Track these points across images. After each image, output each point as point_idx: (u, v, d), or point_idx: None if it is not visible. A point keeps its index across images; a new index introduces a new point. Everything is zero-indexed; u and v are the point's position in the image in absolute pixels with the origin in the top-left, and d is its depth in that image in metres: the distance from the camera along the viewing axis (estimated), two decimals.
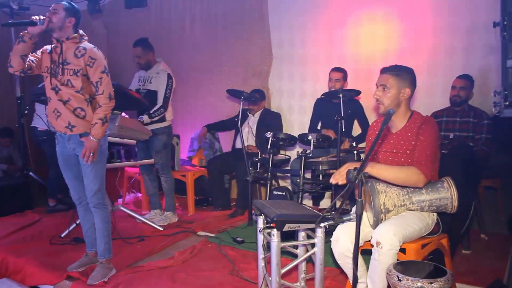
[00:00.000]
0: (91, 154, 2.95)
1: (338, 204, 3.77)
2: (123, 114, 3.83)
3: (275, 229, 2.33)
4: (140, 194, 5.62)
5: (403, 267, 2.07)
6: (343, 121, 3.84)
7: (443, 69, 4.39)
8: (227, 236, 4.00)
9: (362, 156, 3.98)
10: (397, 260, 2.22)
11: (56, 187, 5.09)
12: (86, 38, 3.07)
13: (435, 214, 2.54)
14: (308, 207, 2.70)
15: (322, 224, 2.32)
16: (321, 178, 3.98)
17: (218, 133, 5.57)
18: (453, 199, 2.41)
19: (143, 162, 4.41)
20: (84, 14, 3.13)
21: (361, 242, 2.40)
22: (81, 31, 3.05)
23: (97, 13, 6.09)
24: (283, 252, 2.48)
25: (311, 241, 2.45)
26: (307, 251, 2.55)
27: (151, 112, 4.27)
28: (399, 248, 2.24)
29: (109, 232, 3.22)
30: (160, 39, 6.21)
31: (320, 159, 4.07)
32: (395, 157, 2.56)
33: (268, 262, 2.47)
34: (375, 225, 2.36)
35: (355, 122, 4.66)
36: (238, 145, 5.02)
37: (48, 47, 3.05)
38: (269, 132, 4.23)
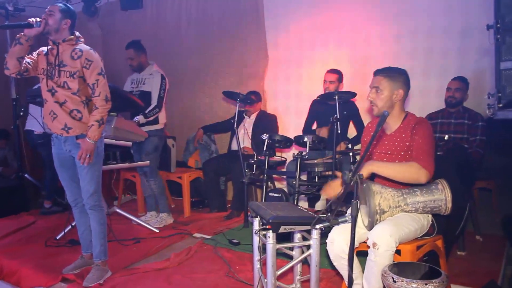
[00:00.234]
0: (88, 156, 2.95)
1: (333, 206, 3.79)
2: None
3: (270, 231, 2.33)
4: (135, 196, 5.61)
5: (398, 268, 2.08)
6: (339, 122, 3.85)
7: (438, 71, 4.41)
8: (223, 238, 4.00)
9: (358, 158, 3.99)
10: (393, 261, 2.23)
11: (52, 189, 5.08)
12: (82, 40, 3.07)
13: (430, 215, 2.55)
14: (303, 209, 2.71)
15: (317, 226, 2.33)
16: (317, 180, 3.99)
17: (214, 135, 5.57)
18: (447, 201, 2.43)
19: (139, 164, 4.40)
20: (80, 15, 3.13)
21: (356, 244, 2.41)
22: (77, 33, 3.05)
23: (93, 14, 6.09)
24: (279, 253, 2.49)
25: (307, 242, 2.45)
26: (303, 252, 2.55)
27: (146, 112, 4.28)
28: (395, 249, 2.25)
29: (105, 234, 3.22)
30: (156, 41, 6.23)
31: (316, 161, 4.08)
32: (389, 158, 2.57)
33: (263, 263, 2.48)
34: (370, 226, 2.37)
35: (351, 124, 4.66)
36: (234, 147, 5.02)
37: (44, 49, 3.04)
38: (265, 134, 4.23)
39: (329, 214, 2.37)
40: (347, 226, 2.22)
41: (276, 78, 5.45)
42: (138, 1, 6.12)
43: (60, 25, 2.94)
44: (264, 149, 4.21)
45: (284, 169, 4.65)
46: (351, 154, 4.01)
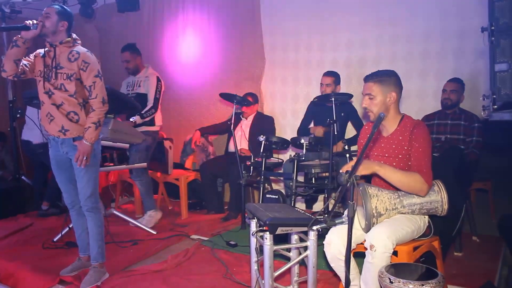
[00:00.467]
0: (84, 158, 2.95)
1: (330, 207, 3.80)
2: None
3: (267, 232, 2.34)
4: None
5: (395, 269, 2.09)
6: (336, 124, 3.86)
7: (434, 73, 4.43)
8: (221, 240, 4.00)
9: (354, 159, 4.00)
10: (390, 262, 2.24)
11: (55, 192, 5.05)
12: (79, 42, 3.07)
13: (426, 216, 2.56)
14: (301, 211, 2.72)
15: (314, 227, 2.34)
16: (313, 181, 4.00)
17: (211, 137, 5.57)
18: (443, 202, 2.44)
19: (136, 165, 4.39)
20: (77, 17, 3.13)
21: (353, 245, 2.42)
22: (74, 35, 3.05)
23: (89, 16, 6.09)
24: (276, 255, 2.49)
25: (304, 244, 2.46)
26: (300, 254, 2.56)
27: (142, 112, 4.29)
28: (392, 251, 2.26)
29: (102, 236, 3.22)
30: (153, 43, 6.24)
31: (313, 162, 4.08)
32: (386, 161, 2.57)
33: (261, 265, 2.48)
34: (367, 228, 2.38)
35: (349, 124, 4.67)
36: (231, 148, 5.03)
37: (41, 51, 3.04)
38: (262, 136, 4.24)
39: (326, 215, 2.38)
40: (344, 228, 2.23)
41: (273, 80, 5.46)
42: (135, 3, 6.11)
43: (57, 27, 2.93)
44: (261, 150, 4.22)
45: (281, 171, 4.66)
46: (347, 155, 4.03)
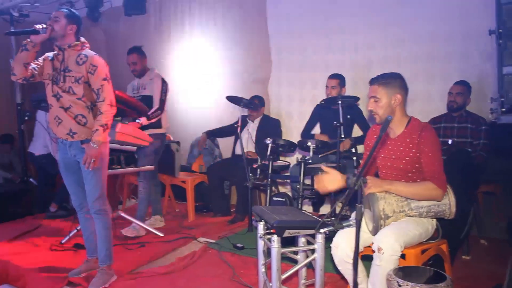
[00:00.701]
0: (92, 160, 2.96)
1: (337, 210, 3.80)
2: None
3: (275, 235, 2.35)
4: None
5: (403, 272, 2.09)
6: (342, 127, 3.86)
7: (440, 76, 4.42)
8: (227, 242, 4.01)
9: (361, 162, 4.00)
10: (398, 265, 2.24)
11: (64, 194, 5.08)
12: (87, 45, 3.09)
13: (434, 219, 2.56)
14: (308, 213, 2.72)
15: (322, 230, 2.34)
16: None
17: (218, 139, 5.58)
18: (451, 205, 2.44)
19: (143, 168, 4.39)
20: (84, 20, 3.15)
21: (361, 248, 2.42)
22: (82, 38, 3.08)
23: (96, 20, 6.12)
24: (283, 257, 2.49)
25: (311, 247, 2.46)
26: (307, 257, 2.56)
27: (148, 114, 4.30)
28: (400, 253, 2.25)
29: (110, 238, 3.23)
30: (160, 46, 6.27)
31: (321, 162, 4.07)
32: (393, 163, 2.57)
33: (268, 268, 2.49)
34: (374, 231, 2.38)
35: (355, 127, 4.67)
36: (238, 151, 5.04)
37: (50, 54, 3.07)
38: (269, 139, 4.25)
39: (333, 218, 2.38)
40: (351, 231, 2.23)
41: (280, 82, 5.47)
42: (142, 7, 6.15)
43: (66, 30, 2.96)
44: (268, 153, 4.22)
45: (288, 174, 4.66)
46: (354, 158, 4.03)
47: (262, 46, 5.49)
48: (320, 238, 2.38)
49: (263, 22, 5.45)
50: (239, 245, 3.87)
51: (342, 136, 3.87)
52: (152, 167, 4.40)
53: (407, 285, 1.95)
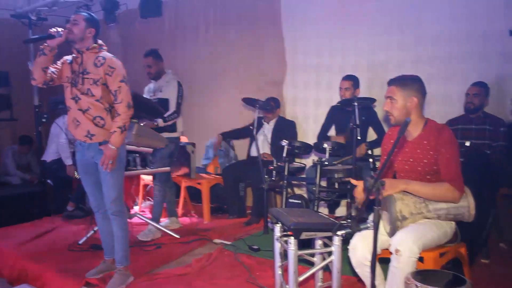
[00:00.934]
0: (110, 162, 2.99)
1: (354, 212, 3.77)
2: None
3: (292, 237, 2.35)
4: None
5: (422, 275, 2.07)
6: (358, 128, 3.84)
7: (458, 77, 4.36)
8: (243, 244, 4.00)
9: (378, 164, 3.98)
10: (416, 268, 2.22)
11: (82, 195, 5.14)
12: (105, 48, 3.12)
13: (453, 222, 2.53)
14: (324, 215, 2.71)
15: (339, 232, 2.33)
16: (336, 186, 3.97)
17: (233, 141, 5.59)
18: (470, 208, 2.41)
19: (159, 170, 4.42)
20: (100, 23, 3.19)
21: (378, 250, 2.40)
22: (100, 41, 3.11)
23: (112, 22, 6.18)
24: (300, 260, 2.48)
25: (328, 249, 2.46)
26: (324, 259, 2.56)
27: (165, 116, 4.33)
28: (418, 256, 2.23)
29: (127, 240, 3.25)
30: (174, 48, 6.30)
31: (337, 165, 4.06)
32: (411, 166, 2.56)
33: (285, 270, 2.49)
34: (391, 232, 2.37)
35: (370, 129, 4.64)
36: (253, 153, 5.04)
37: (68, 57, 3.11)
38: (285, 140, 4.24)
39: (350, 220, 2.37)
40: (369, 233, 2.22)
41: (295, 84, 5.46)
42: (158, 9, 6.18)
43: (85, 34, 3.00)
44: (284, 155, 4.22)
45: (303, 176, 4.65)
46: (371, 160, 4.00)
47: (277, 48, 5.48)
48: (337, 241, 2.38)
49: (277, 24, 5.45)
50: (255, 247, 3.87)
51: (359, 137, 3.84)
52: (168, 169, 4.43)
53: None
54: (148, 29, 6.58)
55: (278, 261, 2.61)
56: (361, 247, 2.39)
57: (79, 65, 3.02)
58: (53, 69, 3.04)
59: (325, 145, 4.03)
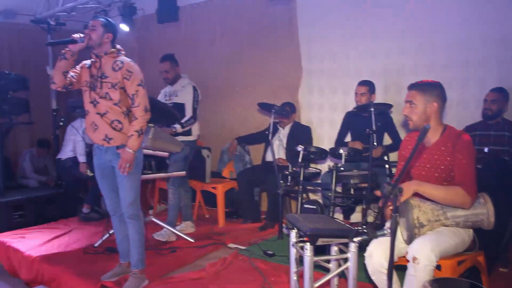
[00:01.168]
0: (127, 165, 3.01)
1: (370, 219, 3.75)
2: None
3: (308, 243, 2.34)
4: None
5: (439, 284, 2.04)
6: (375, 134, 3.81)
7: (476, 82, 4.31)
8: (258, 249, 4.00)
9: (394, 170, 3.95)
10: (433, 276, 2.19)
11: (96, 196, 5.19)
12: (123, 52, 3.16)
13: (471, 230, 2.50)
14: (340, 221, 2.70)
15: (355, 239, 2.32)
16: (352, 192, 3.95)
17: (248, 146, 5.60)
18: (489, 215, 2.38)
19: (175, 174, 4.44)
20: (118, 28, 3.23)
21: (395, 258, 2.38)
22: (118, 46, 3.15)
23: (130, 27, 6.24)
24: (315, 266, 2.47)
25: (344, 255, 2.44)
26: (340, 265, 2.54)
27: (182, 122, 4.35)
28: (436, 264, 2.21)
29: (143, 243, 3.27)
30: (190, 53, 6.32)
31: (352, 171, 4.03)
32: (428, 172, 2.54)
33: (300, 276, 2.48)
34: (409, 240, 2.35)
35: (385, 135, 4.60)
36: (268, 158, 5.03)
37: (87, 62, 3.15)
38: (300, 146, 4.24)
39: (366, 226, 2.36)
40: (386, 240, 2.20)
41: (310, 89, 5.44)
42: (175, 14, 6.24)
43: (103, 39, 3.04)
44: (299, 160, 4.21)
45: (319, 181, 4.63)
46: (387, 166, 3.97)
47: (292, 52, 5.47)
48: (353, 247, 2.36)
49: (293, 28, 5.44)
50: (270, 252, 3.86)
51: (375, 143, 3.82)
52: (183, 173, 4.44)
53: None
54: (164, 34, 6.63)
55: (293, 267, 2.60)
56: (377, 254, 2.37)
57: (97, 69, 3.06)
58: (72, 74, 3.08)
59: (341, 151, 4.01)
